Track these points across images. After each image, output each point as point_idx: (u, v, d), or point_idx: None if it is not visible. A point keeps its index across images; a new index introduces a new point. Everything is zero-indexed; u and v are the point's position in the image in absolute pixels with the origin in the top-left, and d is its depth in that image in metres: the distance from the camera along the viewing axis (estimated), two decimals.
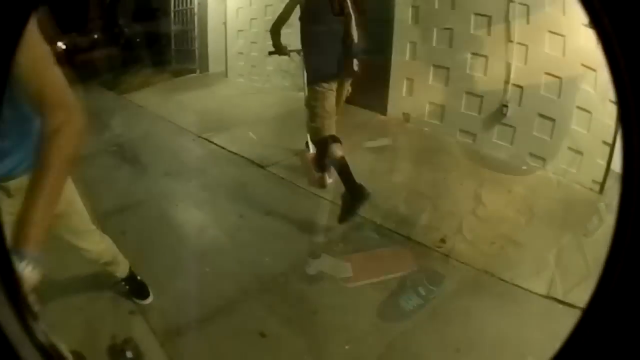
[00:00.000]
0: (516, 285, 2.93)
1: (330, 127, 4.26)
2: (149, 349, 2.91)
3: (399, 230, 3.77)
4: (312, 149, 4.77)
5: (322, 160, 4.39)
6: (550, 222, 3.55)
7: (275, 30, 4.97)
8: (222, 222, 4.37)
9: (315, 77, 4.38)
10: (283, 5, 7.15)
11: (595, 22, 0.83)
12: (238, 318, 3.09)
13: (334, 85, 4.31)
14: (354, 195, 4.01)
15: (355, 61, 4.31)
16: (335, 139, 4.13)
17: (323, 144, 4.26)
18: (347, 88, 4.66)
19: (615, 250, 0.85)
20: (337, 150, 4.05)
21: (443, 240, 3.52)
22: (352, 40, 4.22)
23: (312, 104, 4.44)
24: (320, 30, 4.42)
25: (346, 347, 2.71)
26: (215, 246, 4.00)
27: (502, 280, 3.01)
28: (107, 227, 4.35)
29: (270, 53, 5.21)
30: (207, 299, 3.27)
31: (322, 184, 4.63)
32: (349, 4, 4.11)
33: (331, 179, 4.54)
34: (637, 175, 0.83)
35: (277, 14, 7.87)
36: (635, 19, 0.76)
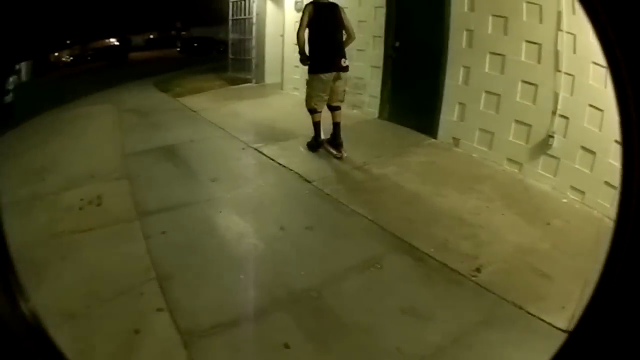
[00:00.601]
0: (541, 320, 2.89)
1: (320, 105, 6.30)
2: (171, 348, 2.98)
3: (436, 255, 3.75)
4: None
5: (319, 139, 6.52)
6: (581, 256, 3.51)
7: (300, 37, 6.12)
8: (263, 232, 4.41)
9: (314, 69, 6.15)
10: None
11: (595, 21, 0.87)
12: (265, 327, 3.13)
13: (328, 76, 6.04)
14: (333, 144, 6.28)
15: (343, 60, 6.11)
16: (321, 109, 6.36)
17: (313, 112, 6.41)
18: (344, 82, 6.30)
19: (614, 252, 0.89)
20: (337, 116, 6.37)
21: (478, 270, 3.48)
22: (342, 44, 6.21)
23: (310, 88, 6.34)
24: (321, 37, 6.07)
25: None
26: (252, 255, 4.06)
27: (528, 313, 2.98)
28: (149, 224, 4.57)
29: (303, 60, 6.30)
30: (237, 305, 3.33)
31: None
32: (342, 21, 6.13)
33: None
34: (637, 175, 0.87)
35: None
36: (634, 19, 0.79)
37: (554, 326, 2.89)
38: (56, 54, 34.01)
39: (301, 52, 6.12)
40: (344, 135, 6.37)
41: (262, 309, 3.28)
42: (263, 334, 3.06)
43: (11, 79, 13.47)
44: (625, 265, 0.87)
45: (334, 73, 6.03)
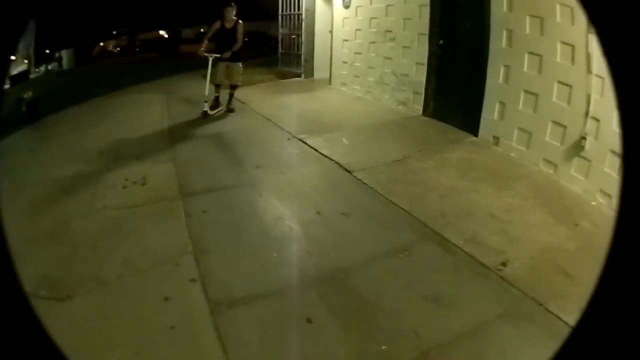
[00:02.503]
0: (559, 318, 2.92)
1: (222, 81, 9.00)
2: (198, 314, 3.16)
3: (465, 247, 3.84)
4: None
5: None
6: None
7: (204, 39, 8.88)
8: (300, 215, 4.60)
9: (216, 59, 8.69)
10: (387, 20, 7.65)
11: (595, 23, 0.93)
12: (291, 302, 3.29)
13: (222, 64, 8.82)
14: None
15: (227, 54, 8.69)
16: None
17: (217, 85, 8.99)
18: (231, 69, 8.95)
19: (615, 251, 0.93)
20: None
21: (504, 264, 3.56)
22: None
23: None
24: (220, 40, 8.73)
25: (383, 347, 2.81)
26: (287, 235, 4.26)
27: (548, 310, 3.02)
28: (191, 203, 4.86)
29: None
30: (267, 281, 3.50)
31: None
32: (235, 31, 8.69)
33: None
34: (637, 177, 0.91)
35: (381, 26, 8.20)
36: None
37: (570, 326, 2.96)
38: (102, 43, 34.79)
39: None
40: (389, 131, 6.81)
41: (290, 286, 3.46)
42: (288, 308, 3.22)
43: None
44: (626, 262, 0.91)
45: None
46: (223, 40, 8.70)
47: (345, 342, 2.89)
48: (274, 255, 3.88)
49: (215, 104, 8.97)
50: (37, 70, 24.31)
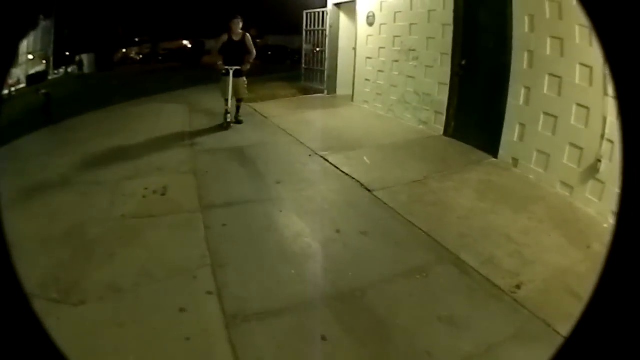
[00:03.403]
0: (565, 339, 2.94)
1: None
2: (213, 327, 3.21)
3: (481, 269, 3.89)
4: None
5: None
6: None
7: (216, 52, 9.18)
8: (319, 233, 4.66)
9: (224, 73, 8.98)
10: (411, 39, 7.76)
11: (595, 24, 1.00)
12: (306, 319, 3.34)
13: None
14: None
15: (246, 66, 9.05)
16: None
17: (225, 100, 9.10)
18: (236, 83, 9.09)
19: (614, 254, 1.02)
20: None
21: (518, 287, 3.61)
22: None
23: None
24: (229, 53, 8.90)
25: None
26: (306, 252, 4.31)
27: (555, 331, 3.05)
28: (211, 216, 4.94)
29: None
30: (284, 297, 3.56)
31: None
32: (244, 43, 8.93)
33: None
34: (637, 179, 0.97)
35: (405, 45, 8.30)
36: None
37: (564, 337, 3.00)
38: (124, 50, 35.27)
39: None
40: (410, 150, 6.95)
41: (306, 303, 3.51)
42: (303, 325, 3.27)
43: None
44: (621, 274, 0.99)
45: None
46: (232, 53, 8.90)
47: None
48: (292, 271, 3.95)
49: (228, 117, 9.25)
50: (56, 72, 24.67)
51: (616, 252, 1.05)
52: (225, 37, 8.90)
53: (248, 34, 9.05)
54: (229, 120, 9.03)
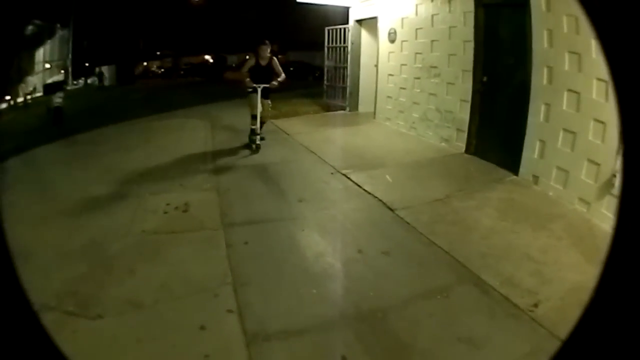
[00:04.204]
0: None
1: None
2: (233, 346, 3.27)
3: (501, 289, 3.94)
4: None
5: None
6: None
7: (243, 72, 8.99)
8: (341, 252, 4.73)
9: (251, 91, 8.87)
10: (432, 55, 7.89)
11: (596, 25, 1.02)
12: (327, 339, 3.40)
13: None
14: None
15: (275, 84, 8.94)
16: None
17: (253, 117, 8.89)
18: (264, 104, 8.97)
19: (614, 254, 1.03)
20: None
21: (536, 305, 3.65)
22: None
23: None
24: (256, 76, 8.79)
25: None
26: (327, 272, 4.38)
27: None
28: (232, 233, 5.02)
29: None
30: (305, 316, 3.62)
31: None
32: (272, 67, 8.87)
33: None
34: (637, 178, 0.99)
35: (426, 62, 8.39)
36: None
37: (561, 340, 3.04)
38: (145, 63, 35.62)
39: None
40: (432, 168, 7.10)
41: (327, 323, 3.57)
42: (324, 345, 3.34)
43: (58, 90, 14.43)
44: (619, 277, 1.01)
45: None
46: (258, 77, 8.77)
47: None
48: (313, 291, 4.00)
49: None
50: (75, 82, 25.05)
51: (615, 254, 1.06)
52: (252, 62, 8.84)
53: (275, 58, 8.98)
54: (258, 142, 8.80)
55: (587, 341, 1.08)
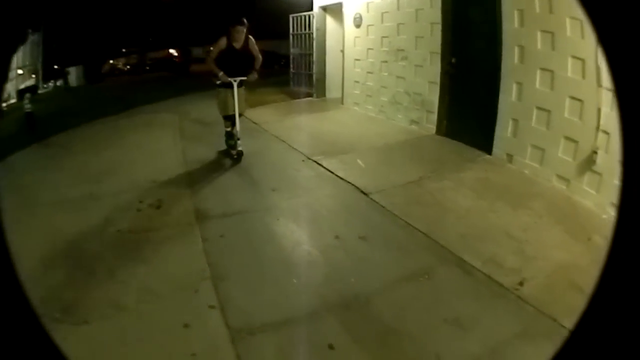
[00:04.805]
0: None
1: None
2: (219, 343, 3.18)
3: (484, 269, 3.88)
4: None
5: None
6: None
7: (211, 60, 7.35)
8: (318, 240, 4.64)
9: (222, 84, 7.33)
10: (399, 39, 7.71)
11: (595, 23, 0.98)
12: (312, 328, 3.30)
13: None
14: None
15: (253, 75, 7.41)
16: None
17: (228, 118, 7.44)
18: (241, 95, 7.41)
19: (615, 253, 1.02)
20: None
21: (521, 284, 3.61)
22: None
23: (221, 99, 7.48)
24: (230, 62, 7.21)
25: None
26: (306, 260, 4.29)
27: (562, 326, 3.06)
28: (207, 227, 4.89)
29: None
30: (288, 307, 3.53)
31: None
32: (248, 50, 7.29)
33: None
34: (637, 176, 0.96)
35: (393, 45, 8.26)
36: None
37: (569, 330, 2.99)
38: (112, 61, 35.08)
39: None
40: (404, 151, 6.97)
41: (311, 312, 3.47)
42: (310, 334, 3.24)
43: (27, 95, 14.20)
44: (625, 265, 0.99)
45: None
46: (231, 62, 7.19)
47: None
48: (294, 281, 3.92)
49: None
50: (45, 85, 24.56)
51: (618, 243, 1.06)
52: (223, 44, 7.17)
53: (251, 38, 7.28)
54: (240, 148, 7.31)
55: (593, 332, 1.05)
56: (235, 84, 7.21)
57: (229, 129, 7.62)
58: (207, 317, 3.47)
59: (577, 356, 1.08)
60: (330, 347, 3.07)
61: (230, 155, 7.53)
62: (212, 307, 3.57)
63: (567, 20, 5.13)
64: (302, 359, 3.06)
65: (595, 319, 1.07)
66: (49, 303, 3.57)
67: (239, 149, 7.29)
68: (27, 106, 12.15)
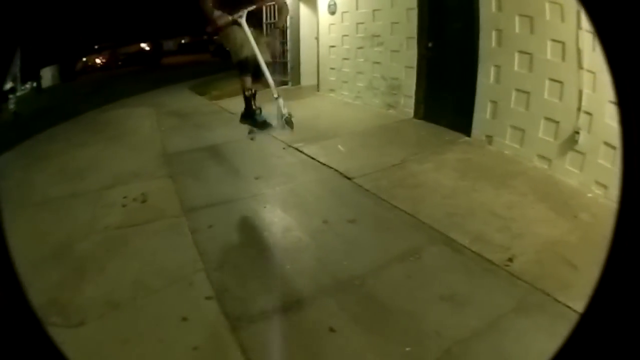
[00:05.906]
0: (568, 307, 3.03)
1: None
2: (219, 333, 3.19)
3: (472, 246, 3.96)
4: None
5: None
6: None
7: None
8: (307, 225, 4.68)
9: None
10: (374, 25, 7.68)
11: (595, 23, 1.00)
12: (311, 313, 3.33)
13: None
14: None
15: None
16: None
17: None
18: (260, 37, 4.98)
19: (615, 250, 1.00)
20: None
21: (511, 260, 3.69)
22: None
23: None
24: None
25: (407, 349, 2.91)
26: (297, 246, 4.31)
27: (556, 300, 3.15)
28: (195, 219, 4.87)
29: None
30: (283, 292, 3.54)
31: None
32: None
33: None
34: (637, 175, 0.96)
35: (369, 31, 8.24)
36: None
37: (579, 313, 3.07)
38: (84, 59, 34.54)
39: None
40: (383, 135, 6.96)
41: (308, 297, 3.50)
42: (309, 319, 3.27)
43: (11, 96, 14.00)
44: (631, 249, 0.96)
45: None
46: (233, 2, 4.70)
47: (370, 347, 2.97)
48: (287, 267, 3.93)
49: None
50: (23, 87, 24.18)
51: (622, 230, 1.01)
52: None
53: None
54: (263, 118, 5.21)
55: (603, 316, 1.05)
56: (242, 20, 4.61)
57: (248, 93, 5.14)
58: (204, 308, 3.47)
59: (585, 344, 1.10)
60: (331, 329, 3.11)
61: (258, 124, 5.26)
62: (208, 298, 3.58)
63: (547, 5, 5.21)
64: (305, 343, 3.06)
65: (605, 301, 1.06)
66: (44, 308, 3.48)
67: (264, 119, 5.20)
68: (12, 107, 11.95)
